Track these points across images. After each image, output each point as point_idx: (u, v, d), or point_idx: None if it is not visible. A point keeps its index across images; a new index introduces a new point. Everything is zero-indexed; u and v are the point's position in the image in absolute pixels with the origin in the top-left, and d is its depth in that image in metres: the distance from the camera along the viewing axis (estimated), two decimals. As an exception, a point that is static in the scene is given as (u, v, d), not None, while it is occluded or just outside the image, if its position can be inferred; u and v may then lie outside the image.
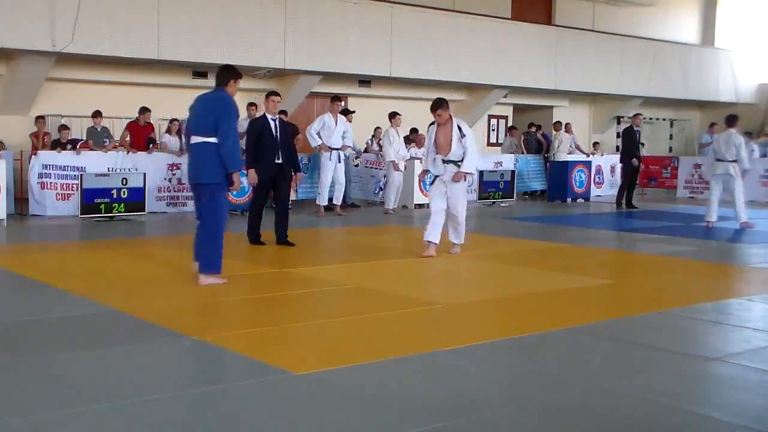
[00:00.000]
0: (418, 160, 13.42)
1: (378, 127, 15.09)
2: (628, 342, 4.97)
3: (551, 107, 21.55)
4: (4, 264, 7.57)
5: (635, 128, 15.31)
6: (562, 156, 17.54)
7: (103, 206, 11.58)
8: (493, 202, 15.73)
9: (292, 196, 13.88)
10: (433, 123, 8.33)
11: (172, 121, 13.35)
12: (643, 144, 21.74)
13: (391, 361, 4.42)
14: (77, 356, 4.44)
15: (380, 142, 14.56)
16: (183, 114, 13.70)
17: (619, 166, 19.20)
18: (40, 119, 13.04)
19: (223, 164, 6.44)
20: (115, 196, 11.68)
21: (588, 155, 18.42)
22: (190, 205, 12.95)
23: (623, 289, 6.88)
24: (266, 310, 5.89)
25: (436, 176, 8.31)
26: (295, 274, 7.26)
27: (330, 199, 13.13)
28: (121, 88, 14.53)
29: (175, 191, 12.96)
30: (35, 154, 12.01)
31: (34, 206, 11.86)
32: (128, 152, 12.73)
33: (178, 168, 12.88)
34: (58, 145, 12.48)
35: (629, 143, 15.17)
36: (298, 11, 15.08)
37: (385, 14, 16.33)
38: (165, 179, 12.81)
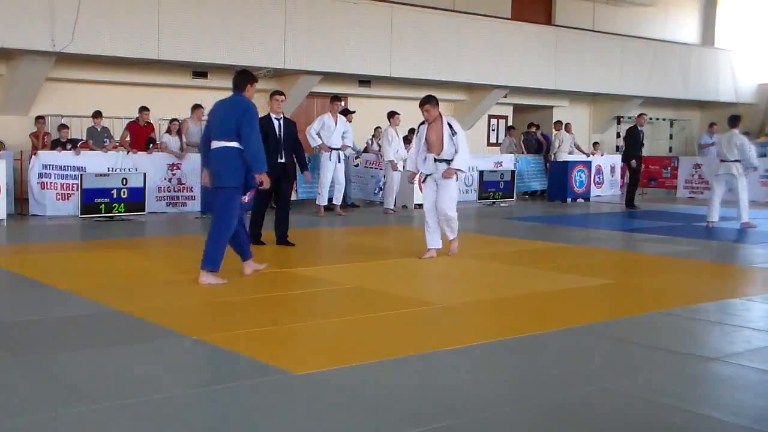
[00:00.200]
0: None
1: (378, 127, 15.09)
2: (628, 342, 4.97)
3: (551, 107, 21.56)
4: (4, 264, 7.57)
5: (639, 128, 15.28)
6: (563, 156, 17.54)
7: (103, 206, 11.59)
8: (493, 202, 15.73)
9: (292, 196, 13.90)
10: (423, 123, 8.26)
11: (172, 121, 13.34)
12: (643, 144, 21.77)
13: (391, 361, 4.41)
14: (77, 356, 4.44)
15: (380, 142, 14.56)
16: (183, 114, 13.84)
17: (619, 166, 19.30)
18: (40, 119, 13.05)
19: (244, 168, 6.62)
20: (115, 196, 11.68)
21: (588, 155, 18.43)
22: (190, 205, 12.98)
23: (623, 289, 6.87)
24: (266, 310, 5.89)
25: (428, 175, 8.26)
26: (295, 274, 7.26)
27: (330, 199, 13.14)
28: (121, 88, 14.54)
29: (175, 191, 12.96)
30: (35, 154, 12.01)
31: (34, 206, 11.86)
32: (128, 152, 12.73)
33: (178, 168, 12.89)
34: (58, 144, 12.48)
35: (633, 143, 15.11)
36: (298, 11, 15.08)
37: (385, 14, 16.34)
38: (165, 179, 12.81)
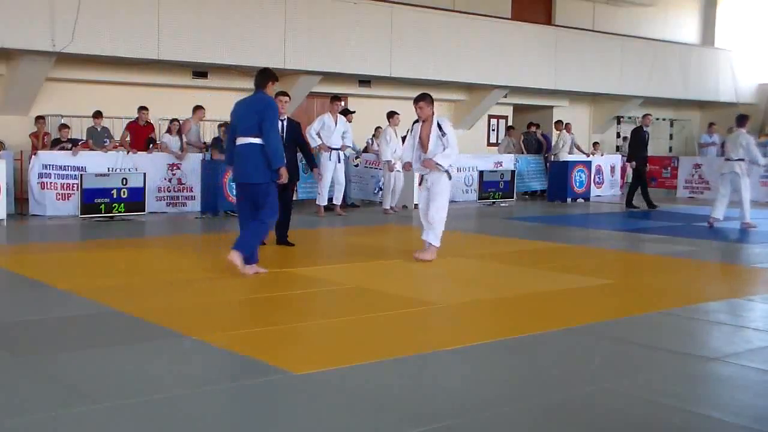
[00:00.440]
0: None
1: (378, 127, 15.09)
2: (628, 342, 4.97)
3: (551, 107, 21.56)
4: (4, 264, 7.57)
5: (645, 128, 15.27)
6: (563, 156, 17.54)
7: (103, 206, 11.58)
8: (493, 202, 15.73)
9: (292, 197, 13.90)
10: (417, 121, 8.22)
11: (172, 121, 13.34)
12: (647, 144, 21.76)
13: (391, 361, 4.41)
14: (77, 356, 4.44)
15: (379, 141, 14.55)
16: (183, 114, 13.84)
17: (619, 166, 19.31)
18: (40, 119, 13.05)
19: (268, 163, 6.84)
20: (115, 196, 11.68)
21: (588, 155, 18.43)
22: (190, 205, 12.98)
23: (623, 289, 6.87)
24: (266, 310, 5.89)
25: (423, 176, 8.24)
26: (295, 274, 7.26)
27: (330, 199, 13.14)
28: (121, 88, 14.54)
29: (175, 191, 12.95)
30: (35, 154, 12.01)
31: (34, 206, 11.86)
32: (128, 152, 12.73)
33: (178, 168, 12.89)
34: (59, 143, 12.47)
35: (638, 144, 15.09)
36: (298, 11, 15.08)
37: (385, 14, 16.34)
38: (165, 179, 12.81)
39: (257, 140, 6.85)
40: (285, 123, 9.13)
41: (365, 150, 15.39)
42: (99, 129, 12.95)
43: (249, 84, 16.28)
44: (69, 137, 12.79)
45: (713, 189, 12.20)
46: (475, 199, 15.83)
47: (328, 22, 15.48)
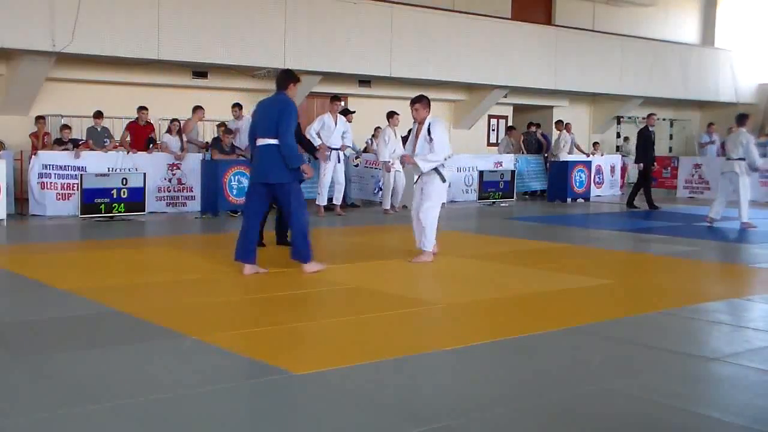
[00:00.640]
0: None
1: (378, 127, 15.09)
2: (628, 342, 4.97)
3: (551, 107, 21.57)
4: (4, 264, 7.57)
5: (650, 128, 15.29)
6: (563, 156, 17.54)
7: (103, 206, 11.59)
8: (493, 202, 15.73)
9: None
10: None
11: (172, 121, 13.34)
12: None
13: (391, 361, 4.41)
14: (77, 356, 4.44)
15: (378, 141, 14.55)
16: (183, 114, 13.84)
17: (619, 166, 19.32)
18: (40, 119, 13.05)
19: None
20: (115, 196, 11.68)
21: (588, 155, 18.43)
22: (190, 205, 12.99)
23: (623, 289, 6.87)
24: (266, 310, 5.89)
25: (418, 176, 8.23)
26: (295, 274, 7.25)
27: (330, 199, 13.13)
28: (121, 88, 14.55)
29: (175, 191, 12.96)
30: (35, 154, 12.01)
31: (34, 206, 11.86)
32: (128, 152, 12.73)
33: (178, 168, 12.89)
34: (60, 144, 12.47)
35: (647, 144, 15.08)
36: (298, 11, 15.08)
37: (385, 14, 16.34)
38: (165, 179, 12.81)
39: (276, 141, 6.95)
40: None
41: (365, 150, 15.39)
42: (99, 129, 12.95)
43: (249, 84, 16.41)
44: (70, 137, 12.79)
45: (713, 189, 12.24)
46: (475, 199, 15.83)
47: (328, 22, 15.48)
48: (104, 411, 3.55)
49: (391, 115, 13.85)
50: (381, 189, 14.40)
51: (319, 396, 3.83)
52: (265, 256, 8.38)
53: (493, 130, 21.29)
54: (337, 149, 12.87)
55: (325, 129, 12.74)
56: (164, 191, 12.84)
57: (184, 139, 13.35)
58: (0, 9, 12.17)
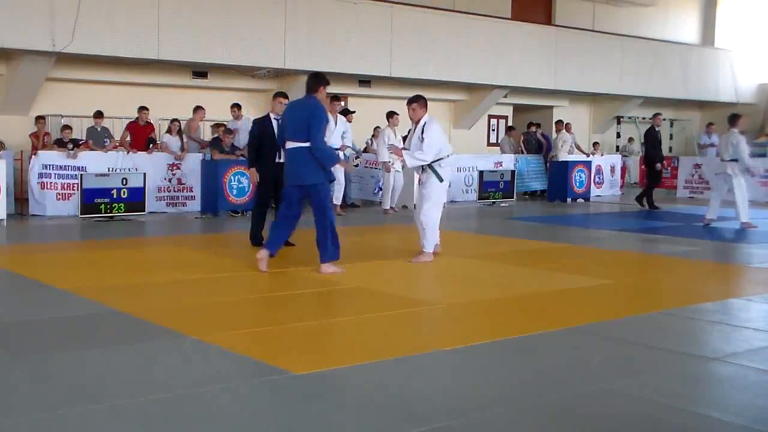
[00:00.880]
0: None
1: (378, 127, 15.09)
2: (628, 342, 4.97)
3: (551, 107, 21.57)
4: (4, 264, 7.57)
5: (657, 128, 15.35)
6: (563, 156, 17.54)
7: (103, 206, 11.58)
8: (493, 202, 15.73)
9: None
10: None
11: (172, 121, 13.34)
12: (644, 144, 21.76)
13: (391, 361, 4.41)
14: (77, 356, 4.44)
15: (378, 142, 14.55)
16: (183, 114, 13.84)
17: (619, 166, 19.32)
18: (40, 119, 13.05)
19: (321, 165, 7.10)
20: (115, 196, 11.68)
21: (588, 155, 18.43)
22: (190, 205, 12.99)
23: (623, 289, 6.87)
24: (266, 310, 5.90)
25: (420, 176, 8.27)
26: (295, 274, 7.26)
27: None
28: (121, 88, 14.55)
29: (175, 191, 12.95)
30: (35, 154, 12.01)
31: (34, 206, 11.86)
32: (128, 152, 12.73)
33: (178, 168, 12.88)
34: (61, 144, 12.47)
35: (655, 144, 15.13)
36: (298, 11, 15.08)
37: (385, 14, 16.34)
38: (165, 179, 12.81)
39: (306, 144, 7.04)
40: (280, 122, 9.06)
41: (365, 150, 15.39)
42: (99, 129, 12.95)
43: (249, 84, 16.41)
44: (70, 137, 12.79)
45: (713, 189, 12.24)
46: (475, 199, 15.83)
47: (328, 22, 15.48)
48: (104, 411, 3.55)
49: (390, 115, 13.85)
50: (381, 189, 14.40)
51: (319, 396, 3.83)
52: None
53: (493, 130, 21.29)
54: (337, 149, 12.84)
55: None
56: (164, 191, 12.84)
57: (185, 139, 13.35)
58: (0, 9, 12.17)
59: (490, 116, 20.96)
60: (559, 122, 18.49)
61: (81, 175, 11.56)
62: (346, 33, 15.70)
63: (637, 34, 21.94)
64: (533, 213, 14.35)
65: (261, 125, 9.03)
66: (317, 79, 7.31)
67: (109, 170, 12.18)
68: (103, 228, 10.85)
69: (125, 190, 11.78)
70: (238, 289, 6.59)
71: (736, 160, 11.68)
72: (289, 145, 7.18)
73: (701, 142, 20.38)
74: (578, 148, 18.46)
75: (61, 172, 11.97)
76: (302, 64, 15.16)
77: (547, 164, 17.68)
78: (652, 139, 15.15)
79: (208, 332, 4.94)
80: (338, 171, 12.99)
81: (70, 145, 12.40)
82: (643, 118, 23.20)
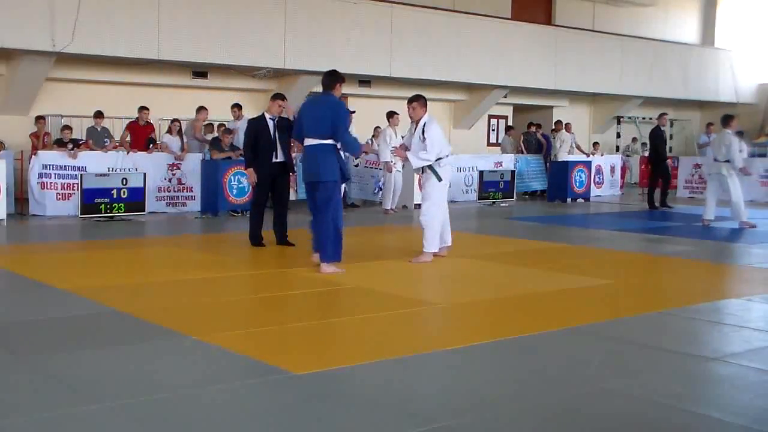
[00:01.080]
0: None
1: (378, 127, 15.10)
2: (628, 342, 4.97)
3: (551, 107, 21.57)
4: (4, 264, 7.57)
5: (662, 128, 15.41)
6: (563, 156, 17.55)
7: (103, 206, 11.58)
8: (493, 202, 15.73)
9: (292, 196, 13.89)
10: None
11: (173, 121, 13.34)
12: (645, 144, 21.77)
13: (391, 361, 4.41)
14: (77, 356, 4.44)
15: (379, 141, 14.54)
16: (183, 114, 13.84)
17: (619, 166, 19.32)
18: (40, 119, 13.06)
19: (338, 163, 7.22)
20: (115, 196, 11.68)
21: (588, 155, 18.43)
22: (190, 205, 12.99)
23: (623, 289, 6.87)
24: (266, 310, 5.89)
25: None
26: (295, 274, 7.26)
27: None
28: (121, 88, 14.55)
29: (174, 191, 12.95)
30: (35, 154, 12.01)
31: (34, 206, 11.86)
32: (128, 152, 12.73)
33: (178, 168, 12.88)
34: (61, 144, 12.48)
35: (663, 143, 15.17)
36: (298, 11, 15.08)
37: (385, 14, 16.34)
38: (165, 179, 12.81)
39: (328, 141, 7.13)
40: (275, 122, 9.03)
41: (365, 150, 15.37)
42: (99, 129, 12.95)
43: (249, 84, 16.40)
44: (70, 137, 12.79)
45: (708, 190, 12.26)
46: (475, 199, 15.83)
47: (328, 22, 15.48)
48: (104, 411, 3.55)
49: (391, 115, 13.86)
50: (381, 189, 14.40)
51: (319, 396, 3.83)
52: (266, 256, 8.40)
53: (493, 130, 21.29)
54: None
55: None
56: (164, 191, 12.84)
57: (185, 139, 13.35)
58: (0, 9, 12.17)
59: (490, 116, 20.96)
60: (558, 122, 18.50)
61: (81, 175, 11.56)
62: (346, 33, 15.70)
63: (637, 34, 21.95)
64: (533, 213, 14.35)
65: (257, 125, 9.00)
66: (334, 77, 7.37)
67: (109, 170, 12.18)
68: (103, 228, 10.85)
69: (125, 190, 11.78)
70: (238, 289, 6.59)
71: (729, 161, 11.71)
72: (308, 141, 7.23)
73: (701, 142, 20.39)
74: (578, 148, 18.47)
75: (61, 172, 11.97)
76: (302, 64, 15.17)
77: (547, 164, 17.69)
78: (657, 139, 15.20)
79: (208, 332, 4.94)
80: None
81: (70, 145, 12.40)
82: (643, 118, 23.22)
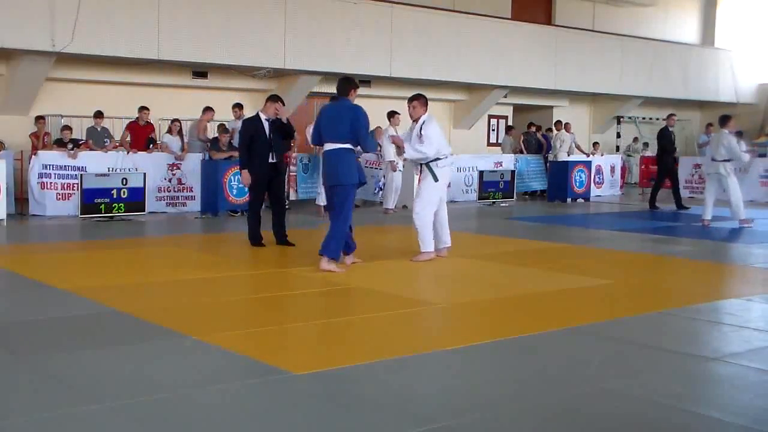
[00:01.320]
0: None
1: (378, 127, 15.08)
2: (628, 342, 4.97)
3: (551, 107, 21.56)
4: (4, 264, 7.57)
5: (670, 128, 15.44)
6: (563, 156, 17.54)
7: (103, 206, 11.58)
8: (493, 202, 15.73)
9: (293, 197, 13.89)
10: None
11: (173, 121, 13.34)
12: (647, 144, 21.78)
13: (391, 361, 4.41)
14: (77, 356, 4.44)
15: (380, 141, 14.54)
16: (183, 114, 13.84)
17: (619, 166, 19.32)
18: (40, 119, 13.06)
19: (357, 167, 7.40)
20: (115, 196, 11.68)
21: (588, 155, 18.43)
22: (190, 205, 12.99)
23: (623, 289, 6.87)
24: (266, 310, 5.89)
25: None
26: (295, 274, 7.26)
27: (330, 199, 13.10)
28: (121, 88, 14.54)
29: (175, 191, 12.95)
30: (35, 154, 12.01)
31: (34, 206, 11.86)
32: (128, 152, 12.73)
33: (178, 168, 12.88)
34: (61, 144, 12.48)
35: (668, 143, 15.25)
36: (298, 11, 15.08)
37: (385, 14, 16.34)
38: (165, 179, 12.81)
39: (348, 145, 7.29)
40: (270, 123, 9.01)
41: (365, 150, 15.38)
42: (99, 129, 12.94)
43: (249, 84, 16.38)
44: (70, 137, 12.79)
45: (706, 190, 12.29)
46: (475, 199, 15.83)
47: (328, 22, 15.48)
48: (104, 411, 3.55)
49: (391, 114, 13.87)
50: (381, 189, 14.40)
51: (319, 396, 3.83)
52: (266, 256, 8.40)
53: (493, 130, 21.29)
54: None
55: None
56: (164, 191, 12.84)
57: (187, 138, 13.34)
58: (0, 9, 12.17)
59: (490, 116, 20.95)
60: (558, 122, 18.50)
61: (81, 175, 11.56)
62: (346, 33, 15.70)
63: (637, 34, 21.94)
64: (533, 213, 14.35)
65: (252, 125, 8.97)
66: (348, 83, 7.50)
67: (109, 170, 12.18)
68: (103, 228, 10.85)
69: (125, 190, 11.78)
70: (238, 289, 6.59)
71: (728, 161, 11.73)
72: (329, 146, 7.35)
73: (701, 141, 20.40)
74: (578, 148, 18.47)
75: (61, 172, 11.97)
76: (302, 64, 15.17)
77: (547, 164, 17.69)
78: (664, 139, 15.25)
79: (208, 332, 4.94)
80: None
81: (70, 145, 12.40)
82: (643, 118, 23.22)
